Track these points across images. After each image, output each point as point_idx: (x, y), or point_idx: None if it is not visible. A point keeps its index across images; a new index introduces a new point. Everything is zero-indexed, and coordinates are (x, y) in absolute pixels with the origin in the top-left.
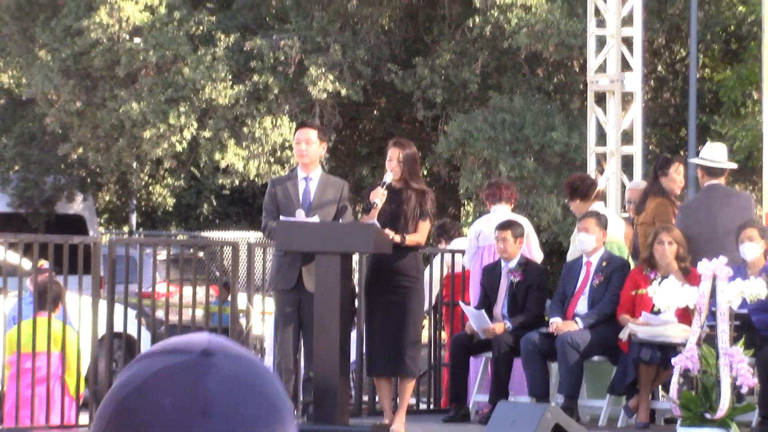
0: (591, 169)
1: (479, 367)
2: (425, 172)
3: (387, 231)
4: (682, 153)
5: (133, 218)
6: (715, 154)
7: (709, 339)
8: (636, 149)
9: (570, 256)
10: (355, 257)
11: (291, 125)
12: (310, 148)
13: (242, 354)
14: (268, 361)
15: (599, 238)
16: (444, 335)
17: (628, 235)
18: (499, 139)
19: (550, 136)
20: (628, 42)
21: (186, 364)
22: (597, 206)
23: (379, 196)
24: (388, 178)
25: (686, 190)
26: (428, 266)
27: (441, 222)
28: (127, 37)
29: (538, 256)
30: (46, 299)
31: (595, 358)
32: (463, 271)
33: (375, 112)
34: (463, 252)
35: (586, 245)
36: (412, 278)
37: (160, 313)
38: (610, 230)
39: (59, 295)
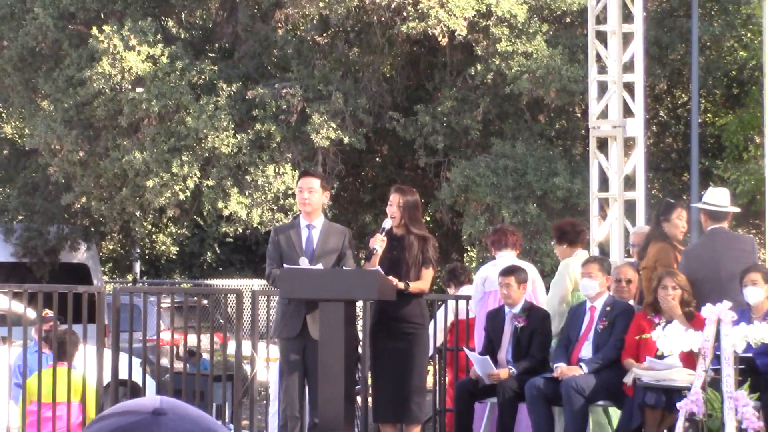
0: (594, 215)
1: (484, 413)
2: (428, 219)
3: (391, 278)
4: (684, 197)
5: (137, 266)
6: (717, 198)
7: (714, 383)
8: (639, 194)
9: (550, 301)
10: (359, 304)
11: (294, 173)
12: (313, 197)
13: (193, 413)
14: (274, 407)
15: (602, 283)
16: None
17: (634, 280)
18: (502, 185)
19: (553, 182)
20: (629, 88)
21: (138, 423)
22: (581, 254)
23: (378, 243)
24: (387, 224)
25: (689, 234)
26: (433, 316)
27: (452, 266)
28: (130, 87)
29: (544, 301)
30: (64, 350)
31: (600, 402)
32: (467, 317)
33: (377, 159)
34: (469, 298)
35: (590, 290)
36: (417, 325)
37: (164, 361)
38: None
39: (75, 345)
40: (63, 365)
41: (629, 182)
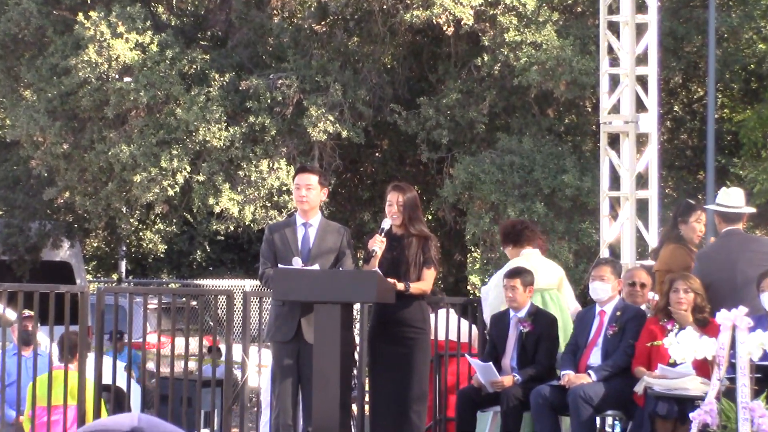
0: (604, 214)
1: (487, 422)
2: (430, 217)
3: (390, 279)
4: (700, 197)
5: (123, 265)
6: (731, 199)
7: (729, 392)
8: (651, 193)
9: (492, 303)
10: (356, 306)
11: (289, 168)
12: (311, 194)
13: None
14: (265, 415)
15: (614, 287)
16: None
17: (648, 283)
18: (508, 182)
19: (561, 180)
20: (642, 81)
21: None
22: (527, 252)
23: (377, 244)
24: (386, 224)
25: (705, 238)
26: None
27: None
28: (117, 77)
29: (574, 306)
30: (61, 351)
31: (609, 412)
32: (473, 325)
33: (377, 154)
34: (470, 303)
35: (601, 294)
36: (418, 329)
37: (150, 365)
38: (545, 277)
39: (75, 346)
40: (60, 368)
41: (642, 180)
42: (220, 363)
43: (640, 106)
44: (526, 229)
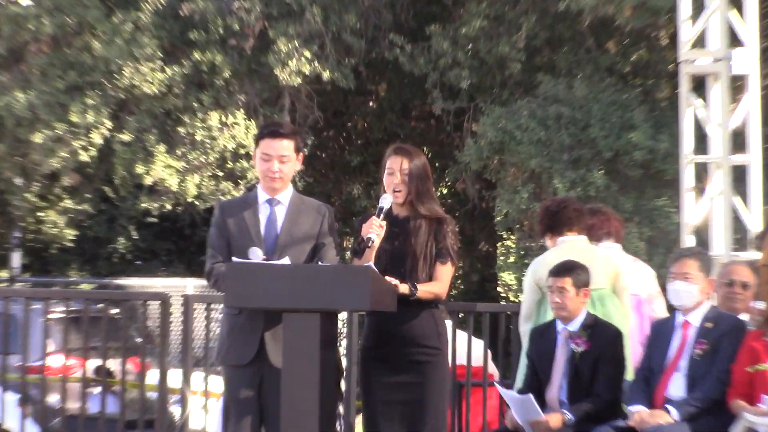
0: (687, 187)
1: None
2: (445, 192)
3: (389, 279)
4: None
5: (16, 258)
6: None
7: None
8: (752, 157)
9: (527, 315)
10: (342, 316)
11: (248, 123)
12: (285, 168)
13: None
14: None
15: (703, 289)
16: None
17: (753, 284)
18: (554, 142)
19: (628, 139)
20: (737, 4)
21: None
22: (567, 241)
23: (374, 230)
24: (386, 202)
25: None
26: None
27: None
28: None
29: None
30: None
31: None
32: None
33: (371, 104)
34: (505, 312)
35: (684, 299)
36: (431, 349)
37: (53, 398)
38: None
39: None
40: None
41: (738, 140)
42: (115, 384)
43: (734, 39)
44: (564, 209)
